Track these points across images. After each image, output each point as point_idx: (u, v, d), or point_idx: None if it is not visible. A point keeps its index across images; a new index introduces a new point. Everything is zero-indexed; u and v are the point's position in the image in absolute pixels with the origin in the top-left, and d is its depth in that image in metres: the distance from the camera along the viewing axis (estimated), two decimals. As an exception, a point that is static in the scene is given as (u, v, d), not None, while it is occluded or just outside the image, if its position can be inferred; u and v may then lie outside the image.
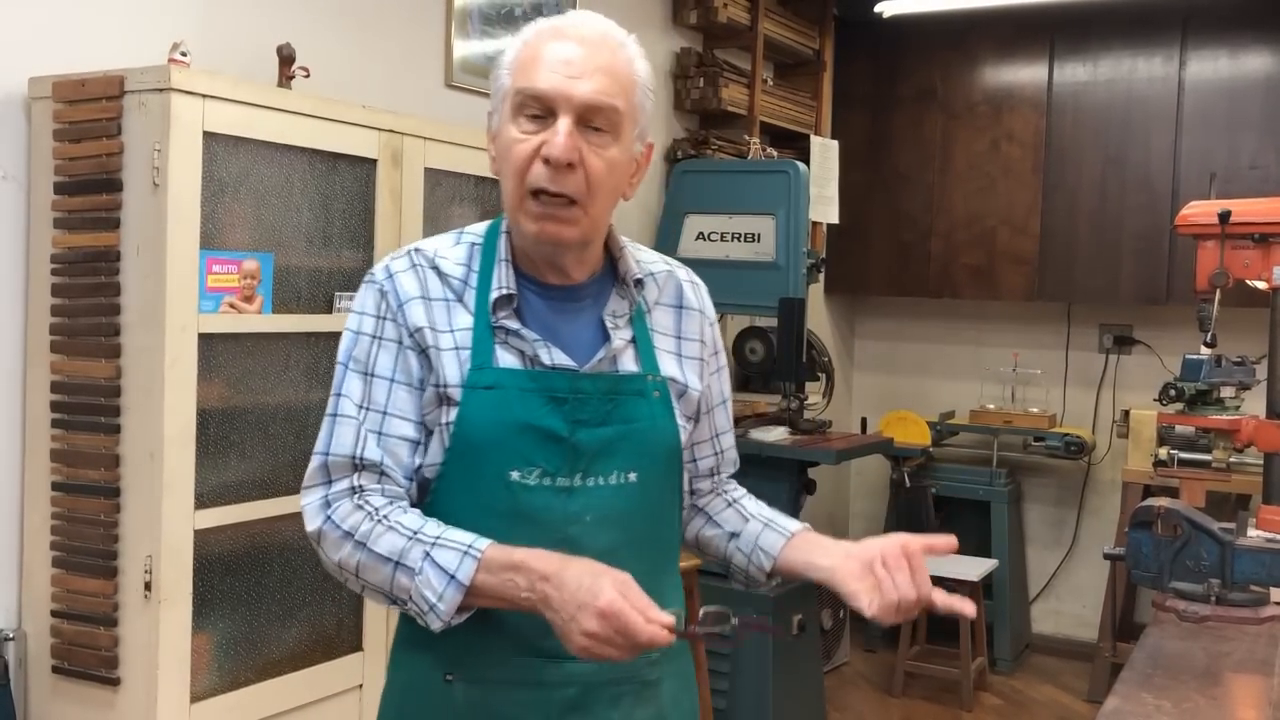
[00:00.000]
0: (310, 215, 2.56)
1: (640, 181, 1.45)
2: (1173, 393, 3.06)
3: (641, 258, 1.50)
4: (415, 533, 1.32)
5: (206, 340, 2.31)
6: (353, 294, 2.59)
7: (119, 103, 2.25)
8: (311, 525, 1.38)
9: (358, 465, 1.37)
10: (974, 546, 5.20)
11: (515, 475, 1.35)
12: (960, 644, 4.59)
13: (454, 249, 1.44)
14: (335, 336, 2.56)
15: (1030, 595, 5.40)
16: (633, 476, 1.40)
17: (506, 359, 1.37)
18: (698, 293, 1.55)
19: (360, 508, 1.35)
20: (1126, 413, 4.76)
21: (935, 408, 5.45)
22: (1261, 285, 2.59)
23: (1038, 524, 5.44)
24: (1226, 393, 2.99)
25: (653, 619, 1.22)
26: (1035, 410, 5.21)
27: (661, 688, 1.46)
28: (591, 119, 1.33)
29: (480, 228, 1.47)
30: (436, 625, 1.30)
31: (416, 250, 1.43)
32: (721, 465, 1.61)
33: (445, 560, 1.29)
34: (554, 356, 1.38)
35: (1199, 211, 2.66)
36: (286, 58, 2.68)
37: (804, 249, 3.93)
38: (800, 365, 3.90)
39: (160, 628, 2.23)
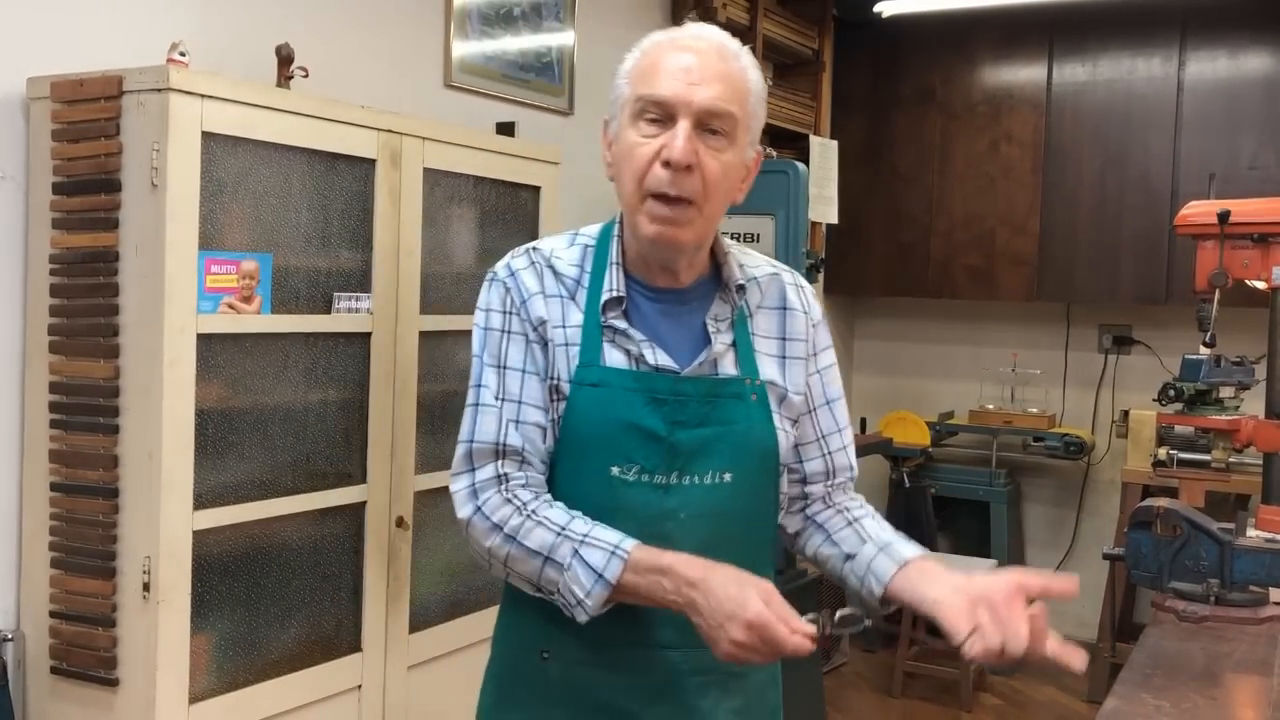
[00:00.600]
0: (309, 215, 2.56)
1: (749, 187, 1.50)
2: (1172, 393, 3.06)
3: (746, 262, 1.55)
4: (563, 529, 1.38)
5: (205, 341, 2.31)
6: (351, 294, 2.61)
7: (117, 103, 2.24)
8: (461, 513, 1.44)
9: (500, 452, 1.43)
10: (973, 547, 5.21)
11: (616, 471, 1.41)
12: (960, 644, 4.59)
13: (568, 250, 1.50)
14: (334, 337, 2.59)
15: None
16: (728, 477, 1.44)
17: (613, 357, 1.43)
18: (801, 295, 1.57)
19: (509, 501, 1.41)
20: (1126, 413, 4.77)
21: (934, 408, 5.45)
22: (1260, 285, 2.59)
23: (1037, 524, 5.44)
24: (1226, 393, 2.99)
25: (796, 629, 1.27)
26: (1034, 410, 5.21)
27: (749, 680, 1.51)
28: (709, 123, 1.39)
29: (594, 230, 1.53)
30: (583, 618, 1.37)
31: (534, 249, 1.50)
32: (833, 469, 1.60)
33: (594, 559, 1.35)
34: (658, 357, 1.43)
35: (1198, 211, 2.66)
36: (285, 58, 2.67)
37: (803, 249, 3.93)
38: (799, 365, 3.90)
39: (159, 628, 2.23)
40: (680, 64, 1.39)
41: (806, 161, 4.33)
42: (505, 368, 1.45)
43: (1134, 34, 4.89)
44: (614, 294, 1.44)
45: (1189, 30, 4.80)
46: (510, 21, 3.68)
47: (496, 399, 1.44)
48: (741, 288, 1.49)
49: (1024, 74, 5.13)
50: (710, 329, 1.47)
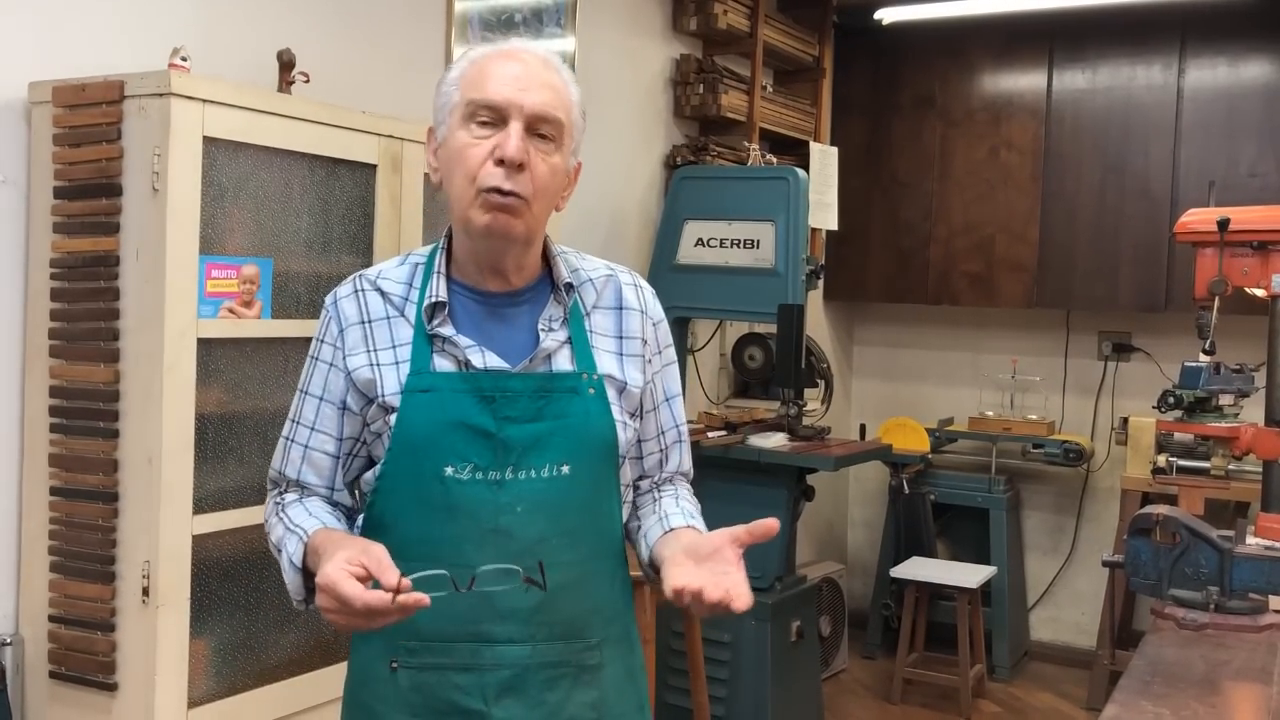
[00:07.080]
0: (310, 220, 2.56)
1: (570, 196, 1.57)
2: (1171, 400, 3.06)
3: (583, 265, 1.60)
4: (291, 522, 1.48)
5: (205, 345, 2.31)
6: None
7: (119, 108, 2.25)
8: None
9: (288, 480, 1.56)
10: (972, 554, 5.21)
11: (449, 471, 1.45)
12: (959, 651, 4.59)
13: (398, 269, 1.56)
14: (334, 342, 2.58)
15: (1029, 602, 5.40)
16: (565, 469, 1.48)
17: (442, 364, 1.48)
18: (640, 295, 1.62)
19: (277, 504, 1.55)
20: (1125, 420, 4.76)
21: (934, 414, 5.45)
22: (1260, 293, 2.59)
23: (1036, 531, 5.44)
24: (1225, 400, 2.99)
25: (383, 585, 1.25)
26: (1034, 417, 5.21)
27: (603, 673, 1.52)
28: (538, 127, 1.45)
29: (425, 249, 1.59)
30: (298, 607, 1.48)
31: (361, 275, 1.57)
32: (665, 461, 1.64)
33: (291, 546, 1.45)
34: (487, 360, 1.48)
35: (1198, 219, 2.67)
36: (286, 63, 2.68)
37: (803, 255, 3.93)
38: (799, 372, 3.90)
39: (158, 633, 2.23)
40: (510, 71, 1.46)
41: (806, 168, 4.33)
42: (307, 393, 1.55)
43: (1134, 41, 4.90)
44: (434, 299, 1.49)
45: (1189, 38, 4.80)
46: (511, 26, 3.69)
47: (292, 424, 1.55)
48: (570, 286, 1.54)
49: (1024, 81, 5.14)
50: (541, 327, 1.51)
